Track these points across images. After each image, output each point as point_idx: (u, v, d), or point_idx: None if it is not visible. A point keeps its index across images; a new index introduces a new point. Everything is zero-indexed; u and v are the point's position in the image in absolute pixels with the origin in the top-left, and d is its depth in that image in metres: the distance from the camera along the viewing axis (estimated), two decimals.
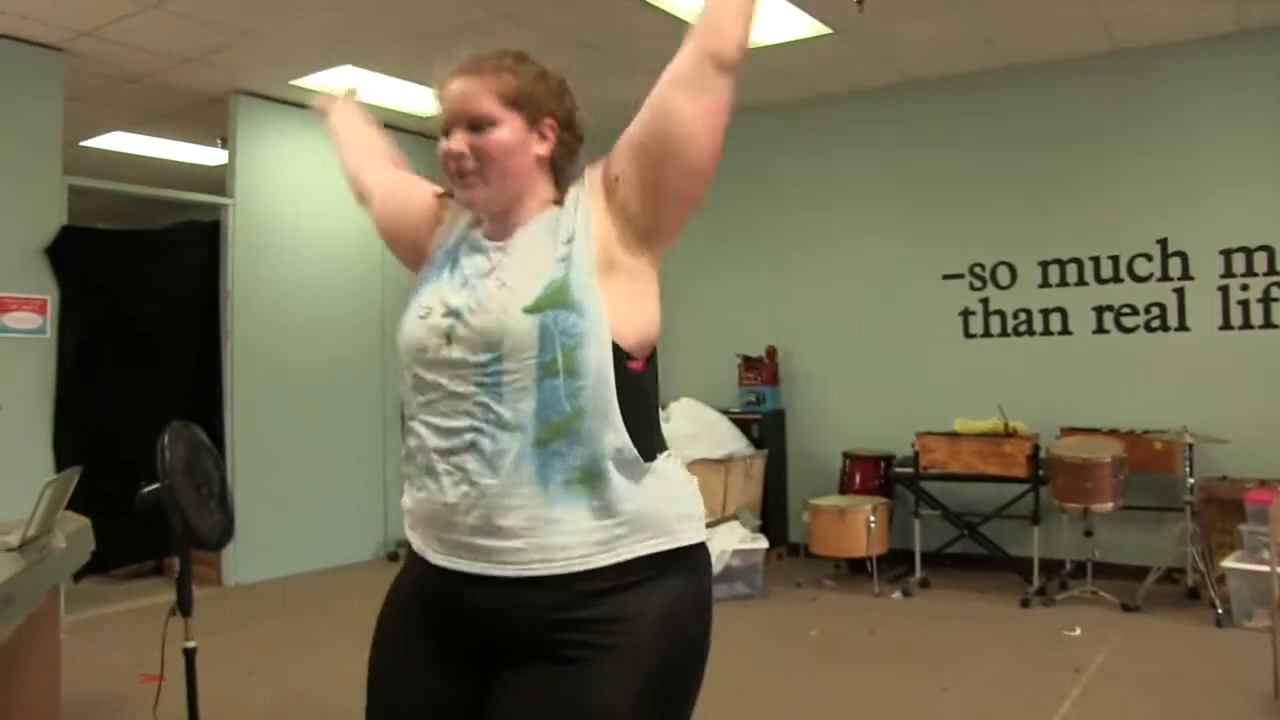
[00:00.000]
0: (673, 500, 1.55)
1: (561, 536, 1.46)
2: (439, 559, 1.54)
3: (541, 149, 1.62)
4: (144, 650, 4.43)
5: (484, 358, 1.49)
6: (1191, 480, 5.44)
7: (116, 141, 7.83)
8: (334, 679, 4.57)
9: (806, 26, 5.79)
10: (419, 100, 7.07)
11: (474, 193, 1.60)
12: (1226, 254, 5.93)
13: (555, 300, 1.47)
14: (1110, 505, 5.44)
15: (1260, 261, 5.83)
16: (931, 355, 6.80)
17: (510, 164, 1.59)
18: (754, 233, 7.35)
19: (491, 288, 1.53)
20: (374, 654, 1.69)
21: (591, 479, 1.47)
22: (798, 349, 7.24)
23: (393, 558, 7.53)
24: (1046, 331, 6.47)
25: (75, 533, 3.38)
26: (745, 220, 7.34)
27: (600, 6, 5.43)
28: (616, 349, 1.48)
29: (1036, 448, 5.91)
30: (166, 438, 3.07)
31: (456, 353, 1.51)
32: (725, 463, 6.39)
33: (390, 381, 7.76)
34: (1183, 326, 6.05)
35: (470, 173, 1.58)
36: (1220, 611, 5.03)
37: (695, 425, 6.63)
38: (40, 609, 3.17)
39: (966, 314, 6.71)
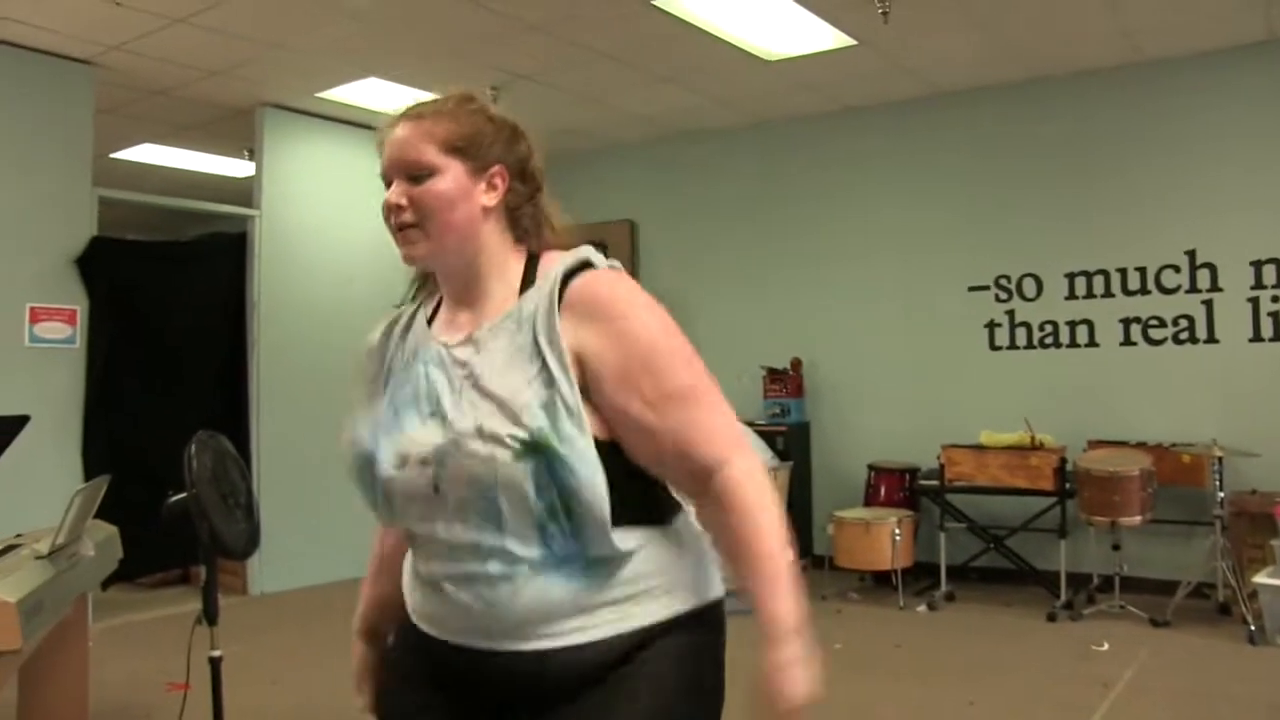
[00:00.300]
0: (687, 564, 1.50)
1: (579, 619, 1.42)
2: (450, 638, 1.50)
3: (489, 199, 1.50)
4: (170, 658, 4.46)
5: (477, 500, 1.40)
6: (1221, 494, 5.38)
7: (145, 153, 7.91)
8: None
9: (831, 38, 5.79)
10: None
11: (414, 249, 1.49)
12: (1256, 265, 5.86)
13: (542, 448, 1.36)
14: (1138, 519, 5.39)
15: None
16: (957, 367, 6.76)
17: (452, 216, 1.47)
18: (779, 244, 7.34)
19: (469, 426, 1.41)
20: (381, 708, 1.62)
21: (603, 565, 1.43)
22: (823, 361, 7.21)
23: None
24: (1073, 344, 6.42)
25: (103, 541, 3.41)
26: (770, 232, 7.35)
27: (622, 18, 5.45)
28: (613, 447, 1.42)
29: (1063, 460, 5.86)
30: (193, 447, 3.09)
31: (450, 498, 1.43)
32: None
33: None
34: (1211, 338, 5.99)
35: (409, 226, 1.48)
36: (1253, 628, 4.96)
37: None
38: (69, 616, 3.20)
39: (992, 326, 6.67)
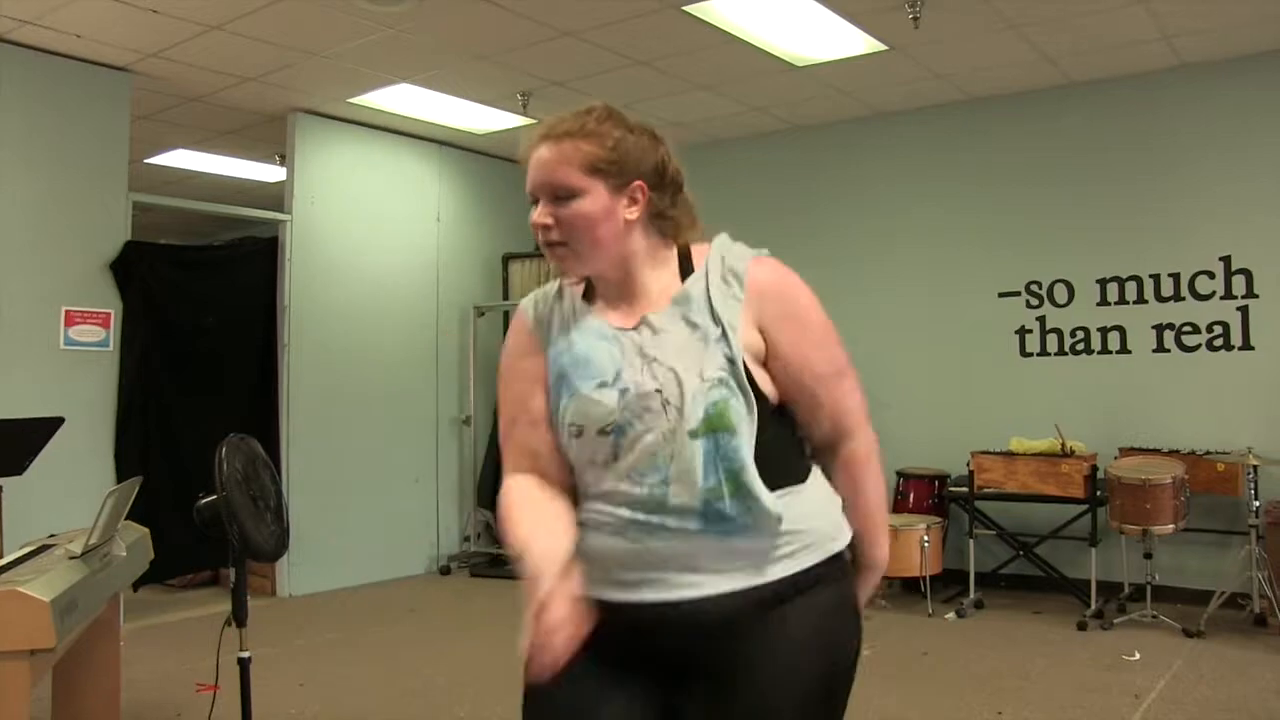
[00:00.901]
0: (823, 516, 1.64)
1: (738, 560, 1.54)
2: (617, 596, 1.56)
3: (631, 214, 1.60)
4: (199, 659, 4.51)
5: (650, 461, 1.54)
6: (1256, 503, 5.31)
7: (179, 159, 8.00)
8: (385, 690, 4.60)
9: (862, 43, 5.77)
10: (475, 117, 7.16)
11: (566, 265, 1.62)
12: None
13: (718, 425, 1.51)
14: (1171, 527, 5.33)
15: None
16: (987, 373, 6.71)
17: (598, 234, 1.57)
18: (809, 249, 7.29)
19: (650, 392, 1.54)
20: (548, 690, 1.54)
21: (761, 524, 1.54)
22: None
23: (444, 571, 7.58)
24: (1105, 350, 6.36)
25: (135, 542, 3.44)
26: (800, 236, 7.32)
27: (653, 25, 5.45)
28: (775, 408, 1.59)
29: (1094, 468, 5.80)
30: (224, 450, 3.12)
31: (624, 460, 1.55)
32: None
33: (445, 399, 7.83)
34: (1246, 345, 5.92)
35: (557, 243, 1.58)
36: None
37: None
38: (101, 616, 3.24)
39: (1023, 332, 6.62)
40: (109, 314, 5.98)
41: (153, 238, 6.68)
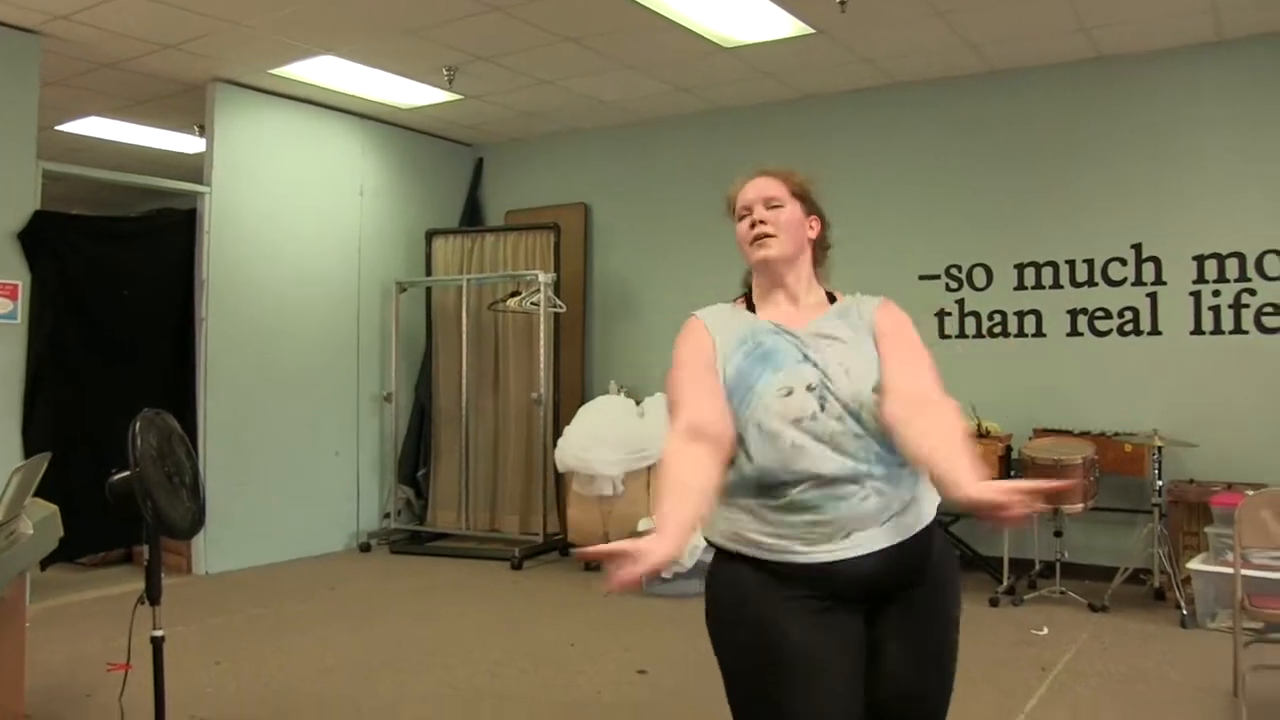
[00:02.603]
0: (923, 481, 2.07)
1: (913, 513, 2.04)
2: (819, 554, 1.97)
3: (810, 233, 2.25)
4: (111, 639, 4.42)
5: (849, 420, 2.00)
6: (1160, 483, 5.50)
7: (93, 126, 7.77)
8: (302, 668, 4.56)
9: (789, 26, 5.81)
10: (400, 91, 7.07)
11: (770, 249, 2.18)
12: (1199, 260, 5.98)
13: (868, 404, 2.00)
14: (1081, 506, 5.49)
15: (1232, 268, 5.89)
16: None
17: (796, 233, 2.20)
18: (731, 229, 7.35)
19: (838, 370, 2.03)
20: (776, 635, 1.98)
21: (913, 482, 2.05)
22: None
23: (365, 549, 7.52)
24: (1021, 333, 6.51)
25: (43, 520, 3.36)
26: (722, 217, 7.35)
27: (582, 1, 5.42)
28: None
29: (1009, 448, 5.95)
30: (138, 425, 3.06)
31: (831, 415, 2.00)
32: None
33: (366, 375, 7.75)
34: (1155, 331, 6.11)
35: (767, 235, 2.18)
36: (1185, 612, 5.09)
37: None
38: (5, 596, 3.16)
39: (942, 314, 6.75)
40: (16, 285, 5.80)
41: (65, 208, 6.47)
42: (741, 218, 2.26)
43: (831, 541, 1.97)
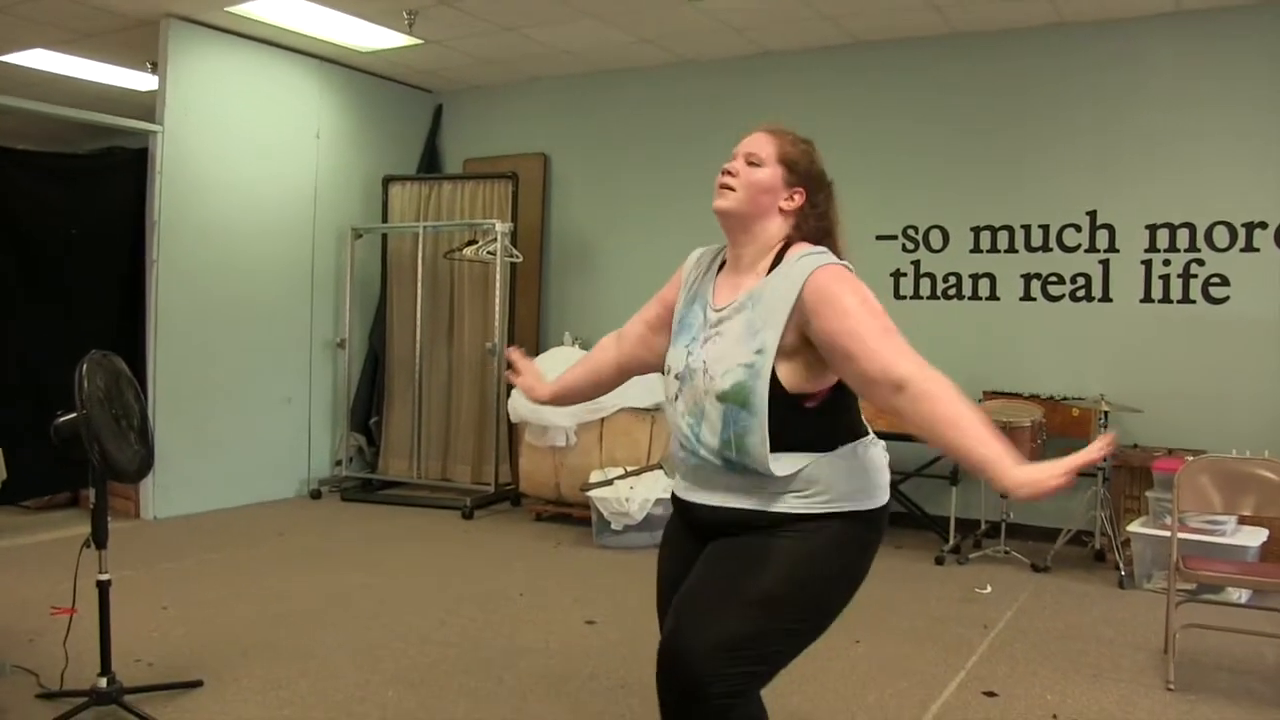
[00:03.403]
0: (844, 480, 2.09)
1: (746, 490, 2.09)
2: (684, 496, 2.24)
3: (785, 205, 2.17)
4: (57, 583, 4.38)
5: (688, 419, 2.14)
6: None
7: (40, 59, 7.54)
8: (249, 613, 4.55)
9: None
10: (359, 34, 6.94)
11: (723, 200, 2.17)
12: (1151, 229, 6.06)
13: (733, 398, 2.03)
14: None
15: (1183, 238, 5.98)
16: None
17: (757, 195, 2.15)
18: (689, 185, 7.30)
19: (701, 368, 2.10)
20: (660, 553, 2.37)
21: (765, 477, 2.06)
22: None
23: (315, 495, 7.49)
24: (975, 296, 6.58)
25: None
26: (681, 172, 7.32)
27: None
28: (788, 396, 2.02)
29: None
30: (85, 367, 3.02)
31: (681, 404, 2.16)
32: (652, 412, 6.43)
33: (320, 321, 7.67)
34: (1106, 297, 6.20)
35: (728, 186, 2.16)
36: (1123, 573, 5.23)
37: None
38: None
39: (898, 275, 6.79)
40: None
41: (9, 143, 6.31)
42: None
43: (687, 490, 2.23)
